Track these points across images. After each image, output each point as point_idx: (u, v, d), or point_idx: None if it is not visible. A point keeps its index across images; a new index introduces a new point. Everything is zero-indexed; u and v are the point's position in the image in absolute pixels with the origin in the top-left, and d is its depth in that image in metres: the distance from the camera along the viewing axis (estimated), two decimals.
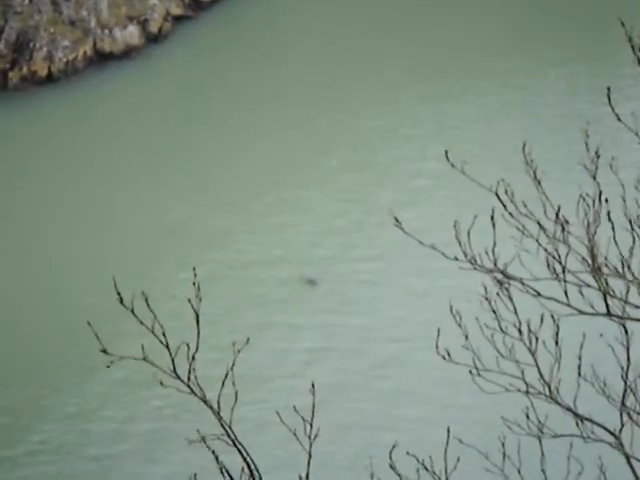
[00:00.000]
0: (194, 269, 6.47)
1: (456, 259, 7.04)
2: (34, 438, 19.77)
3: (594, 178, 6.84)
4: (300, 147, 28.15)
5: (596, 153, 6.89)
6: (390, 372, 20.22)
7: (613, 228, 6.80)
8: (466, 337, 7.05)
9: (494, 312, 6.91)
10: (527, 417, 7.17)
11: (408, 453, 6.91)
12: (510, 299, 6.89)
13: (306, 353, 20.85)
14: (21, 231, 25.52)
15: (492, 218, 7.08)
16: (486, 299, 6.90)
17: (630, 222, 6.97)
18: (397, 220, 7.20)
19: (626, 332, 6.98)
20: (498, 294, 6.86)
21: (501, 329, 6.96)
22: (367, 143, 28.22)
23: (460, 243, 7.01)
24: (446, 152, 7.12)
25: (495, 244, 6.96)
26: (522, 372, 7.00)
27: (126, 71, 32.34)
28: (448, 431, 6.75)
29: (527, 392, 7.00)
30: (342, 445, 17.23)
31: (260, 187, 26.62)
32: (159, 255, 23.95)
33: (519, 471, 7.51)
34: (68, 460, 19.39)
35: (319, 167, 27.35)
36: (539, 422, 7.14)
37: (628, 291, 6.92)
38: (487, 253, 7.02)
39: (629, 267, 6.92)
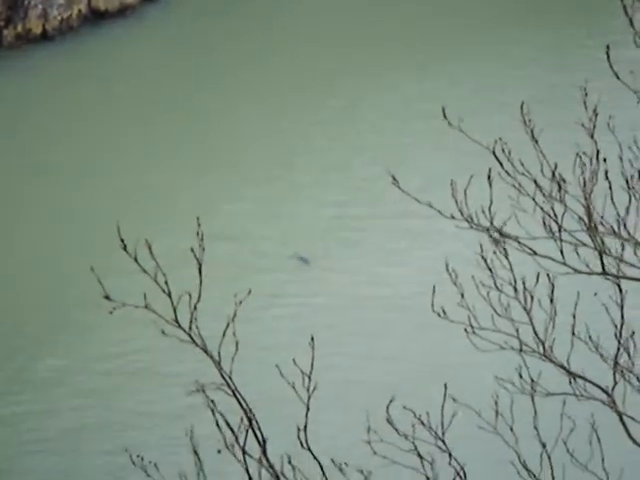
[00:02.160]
0: (198, 218, 6.48)
1: (452, 218, 7.07)
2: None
3: (592, 137, 6.86)
4: (295, 113, 27.93)
5: (594, 111, 6.90)
6: (385, 330, 20.27)
7: (610, 187, 6.83)
8: (462, 295, 7.09)
9: (490, 270, 6.95)
10: (520, 376, 7.23)
11: (405, 408, 6.97)
12: (506, 257, 6.93)
13: (301, 318, 20.75)
14: (15, 186, 25.45)
15: (489, 177, 7.11)
16: (482, 257, 6.93)
17: (627, 181, 7.00)
18: (394, 179, 7.22)
19: (620, 291, 7.02)
20: (495, 252, 6.89)
21: (497, 287, 7.00)
22: (358, 107, 28.03)
23: (457, 202, 7.04)
24: (443, 109, 7.14)
25: (492, 203, 6.98)
26: (517, 330, 7.05)
27: (121, 30, 32.16)
28: (445, 387, 6.81)
29: (521, 350, 7.05)
30: (338, 400, 17.32)
31: (252, 154, 26.37)
32: (144, 216, 23.62)
33: (511, 428, 7.58)
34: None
35: (311, 134, 27.08)
36: (532, 380, 7.19)
37: (623, 250, 6.95)
38: (483, 212, 7.05)
39: (625, 226, 6.95)
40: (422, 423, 6.70)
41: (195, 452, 6.54)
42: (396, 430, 6.69)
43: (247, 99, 28.60)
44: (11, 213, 24.65)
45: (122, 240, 6.10)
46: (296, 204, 24.36)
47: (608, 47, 6.85)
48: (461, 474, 6.69)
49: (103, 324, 19.87)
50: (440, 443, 6.76)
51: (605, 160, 6.82)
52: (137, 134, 27.35)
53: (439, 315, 7.11)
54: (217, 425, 6.07)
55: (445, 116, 7.16)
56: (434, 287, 7.12)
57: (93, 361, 19.83)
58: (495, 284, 6.92)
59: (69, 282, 21.73)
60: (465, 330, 6.99)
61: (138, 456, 7.14)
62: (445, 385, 6.93)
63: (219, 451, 6.38)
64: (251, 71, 29.79)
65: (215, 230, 21.42)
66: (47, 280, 22.27)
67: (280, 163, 25.96)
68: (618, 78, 6.97)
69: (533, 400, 7.31)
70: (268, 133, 27.16)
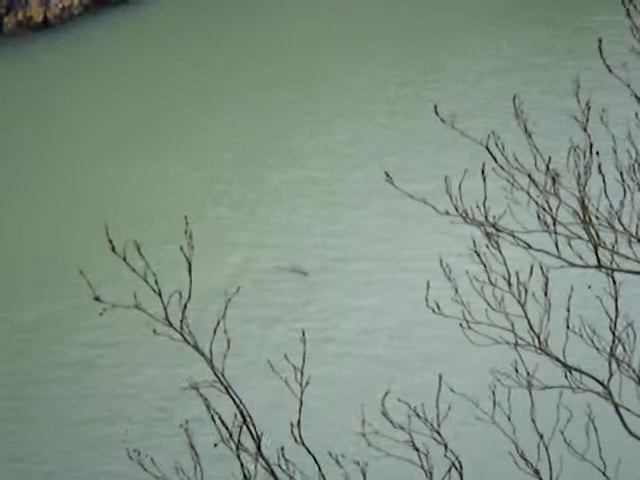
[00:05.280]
0: (185, 217, 6.50)
1: (447, 213, 7.09)
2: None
3: (585, 130, 6.87)
4: (287, 112, 27.57)
5: (587, 104, 6.92)
6: (381, 325, 20.24)
7: (604, 180, 6.85)
8: (456, 290, 7.12)
9: (484, 264, 6.97)
10: (516, 371, 7.27)
11: (400, 400, 7.01)
12: (500, 251, 6.95)
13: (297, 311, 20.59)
14: (10, 174, 25.41)
15: (483, 172, 7.12)
16: (475, 252, 6.95)
17: (621, 174, 7.02)
18: (388, 175, 7.24)
19: (615, 283, 7.04)
20: (488, 246, 6.92)
21: (490, 282, 7.02)
22: (348, 104, 27.85)
23: (451, 197, 7.06)
24: (435, 107, 7.14)
25: (486, 197, 7.00)
26: (512, 324, 7.08)
27: (122, 17, 32.11)
28: (440, 378, 6.85)
29: (517, 344, 7.08)
30: (333, 393, 17.33)
31: (246, 157, 26.06)
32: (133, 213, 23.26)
33: (509, 418, 7.61)
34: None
35: (305, 128, 26.89)
36: (528, 373, 7.23)
37: (617, 243, 6.98)
38: (478, 207, 7.07)
39: (619, 219, 6.98)
40: (417, 415, 6.73)
41: (191, 446, 6.59)
42: (391, 422, 6.73)
43: (250, 92, 28.41)
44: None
45: (110, 241, 6.12)
46: (288, 209, 24.03)
47: (600, 40, 6.86)
48: (456, 465, 6.72)
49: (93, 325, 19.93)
50: (436, 435, 6.79)
51: (598, 153, 6.84)
52: (136, 124, 27.26)
53: (433, 311, 7.14)
54: (213, 420, 6.13)
55: (437, 113, 7.18)
56: (428, 282, 7.15)
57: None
58: (489, 278, 6.94)
59: (56, 278, 21.74)
60: (460, 325, 7.02)
61: (135, 451, 7.19)
62: (440, 376, 6.96)
63: (215, 445, 6.45)
64: (256, 58, 29.64)
65: (205, 235, 20.92)
66: (34, 275, 22.24)
67: (271, 165, 25.73)
68: (610, 71, 6.99)
69: (530, 392, 7.34)
70: (262, 130, 26.95)
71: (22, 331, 20.62)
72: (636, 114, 6.77)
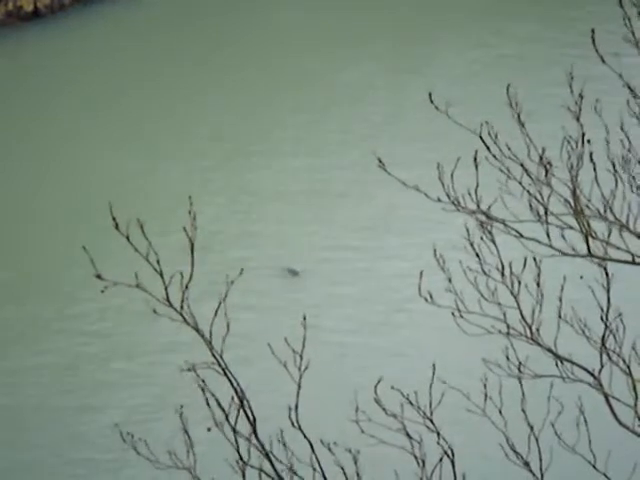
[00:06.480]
0: (190, 197, 6.48)
1: (439, 200, 7.10)
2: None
3: (578, 120, 6.89)
4: (281, 108, 27.56)
5: (580, 95, 6.93)
6: (373, 314, 20.28)
7: (595, 169, 6.86)
8: (449, 280, 7.12)
9: (477, 255, 6.97)
10: (507, 359, 7.27)
11: (393, 388, 7.01)
12: (493, 242, 6.96)
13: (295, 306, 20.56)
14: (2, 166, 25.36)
15: (475, 160, 7.12)
16: (469, 242, 6.96)
17: (613, 164, 7.03)
18: (380, 161, 7.24)
19: (607, 274, 7.06)
20: (482, 238, 6.92)
21: (484, 272, 7.03)
22: (342, 95, 27.88)
23: (443, 185, 7.07)
24: (430, 95, 7.15)
25: (478, 186, 7.01)
26: (504, 314, 7.08)
27: (114, 8, 31.99)
28: (433, 367, 6.85)
29: (508, 334, 7.08)
30: (327, 380, 17.35)
31: (239, 152, 26.01)
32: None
33: (500, 411, 7.61)
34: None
35: (291, 125, 26.86)
36: (520, 363, 7.23)
37: (610, 233, 6.99)
38: (470, 195, 7.08)
39: (611, 209, 6.99)
40: (410, 403, 6.73)
41: (185, 431, 6.58)
42: (384, 410, 6.74)
43: (243, 87, 28.35)
44: None
45: (114, 219, 6.10)
46: (278, 213, 23.97)
47: (593, 31, 6.88)
48: (449, 453, 6.72)
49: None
50: (428, 423, 6.79)
51: (589, 141, 6.85)
52: (130, 118, 27.16)
53: (426, 300, 7.14)
54: (207, 404, 6.11)
55: (432, 101, 7.18)
56: (421, 272, 7.15)
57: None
58: (482, 269, 6.94)
59: (57, 262, 21.75)
60: (452, 314, 7.02)
61: (129, 433, 7.16)
62: (433, 365, 6.97)
63: (209, 429, 6.44)
64: (247, 59, 29.57)
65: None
66: (33, 274, 22.22)
67: (269, 162, 25.70)
68: (604, 61, 7.01)
69: (521, 383, 7.34)
70: (257, 124, 26.95)
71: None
72: (627, 101, 6.78)
